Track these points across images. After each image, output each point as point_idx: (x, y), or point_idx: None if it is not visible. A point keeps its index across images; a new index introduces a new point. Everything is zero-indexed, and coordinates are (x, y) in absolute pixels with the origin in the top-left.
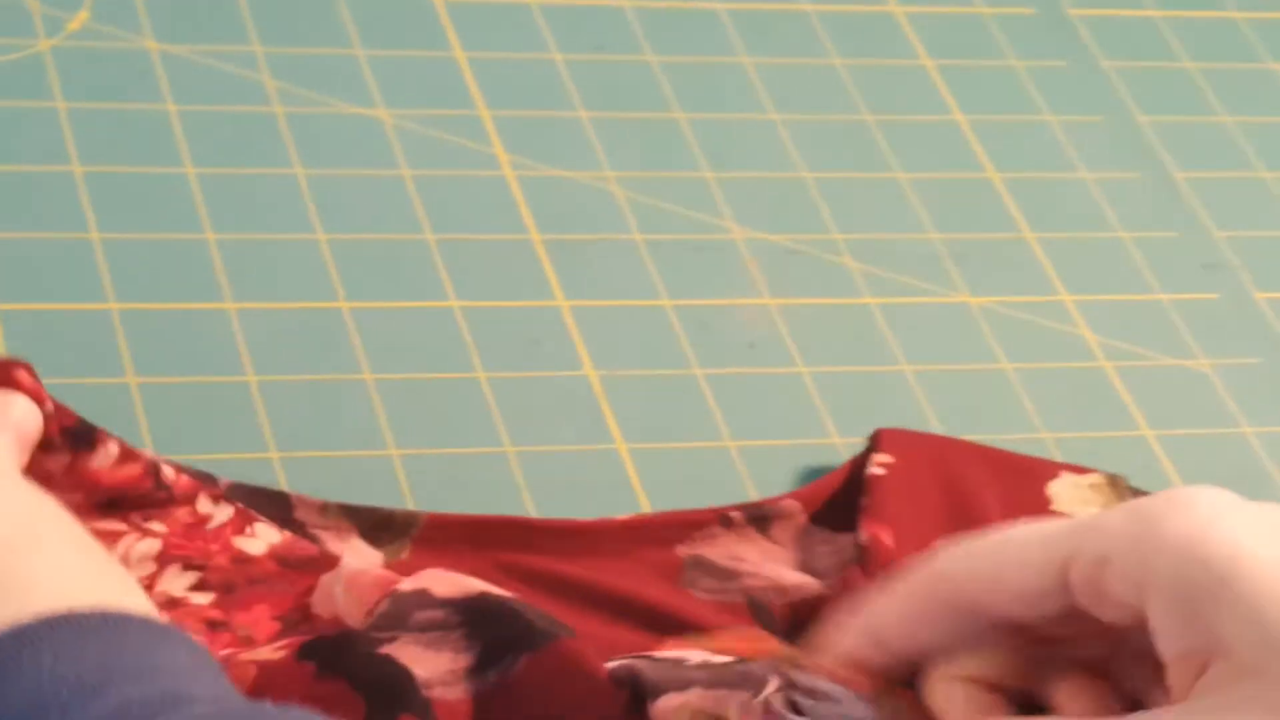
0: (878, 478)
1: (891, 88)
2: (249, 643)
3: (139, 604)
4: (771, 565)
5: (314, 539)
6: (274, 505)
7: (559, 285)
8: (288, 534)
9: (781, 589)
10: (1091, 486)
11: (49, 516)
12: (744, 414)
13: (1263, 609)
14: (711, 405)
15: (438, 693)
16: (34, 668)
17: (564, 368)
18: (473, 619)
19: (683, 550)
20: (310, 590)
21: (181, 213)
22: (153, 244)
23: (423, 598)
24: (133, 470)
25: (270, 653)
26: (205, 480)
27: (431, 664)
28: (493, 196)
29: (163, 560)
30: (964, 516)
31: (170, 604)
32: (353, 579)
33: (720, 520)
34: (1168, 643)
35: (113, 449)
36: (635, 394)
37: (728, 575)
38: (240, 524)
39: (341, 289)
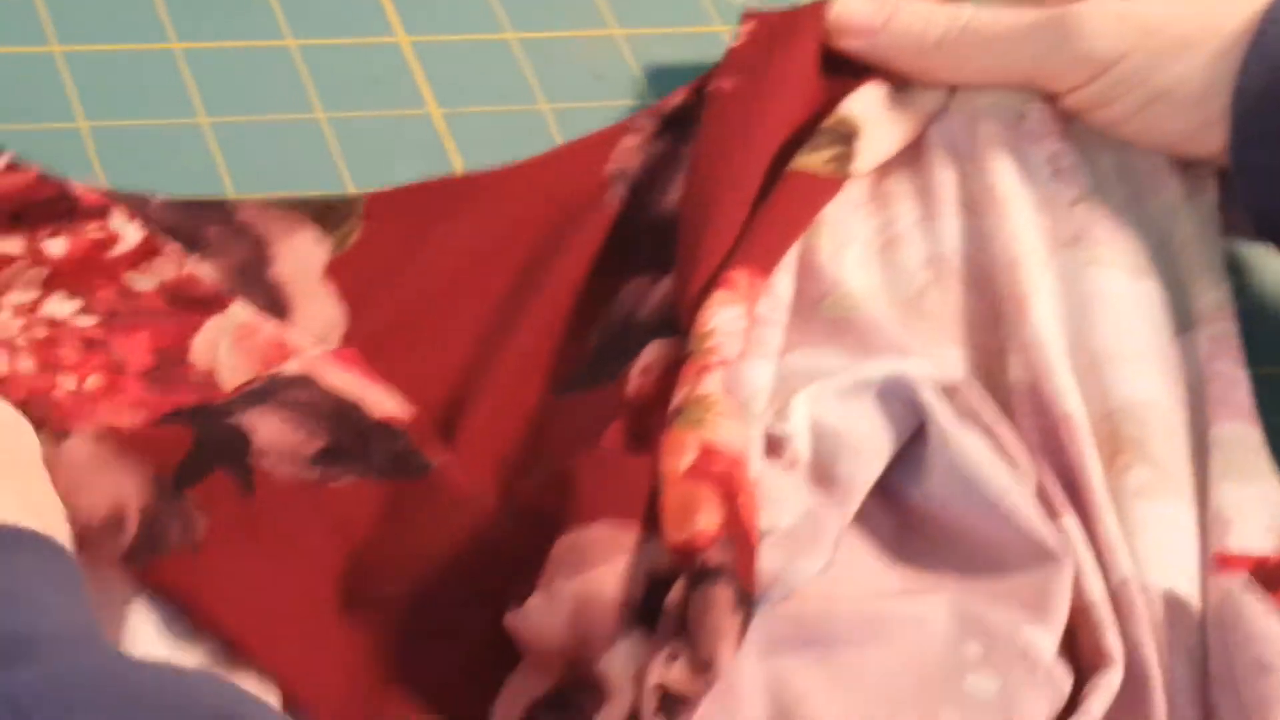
0: (733, 48)
1: None
2: (119, 370)
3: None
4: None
5: (261, 240)
6: (215, 212)
7: (399, 22)
8: (187, 271)
9: None
10: None
11: None
12: None
13: None
14: (556, 138)
15: (267, 463)
16: None
17: (406, 106)
18: (342, 419)
19: (609, 168)
20: (196, 330)
21: None
22: None
23: (304, 382)
24: (25, 177)
25: (131, 415)
26: (133, 200)
27: (276, 434)
28: None
29: (49, 286)
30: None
31: (52, 325)
32: (242, 335)
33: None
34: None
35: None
36: (480, 129)
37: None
38: (140, 255)
39: (172, 31)
